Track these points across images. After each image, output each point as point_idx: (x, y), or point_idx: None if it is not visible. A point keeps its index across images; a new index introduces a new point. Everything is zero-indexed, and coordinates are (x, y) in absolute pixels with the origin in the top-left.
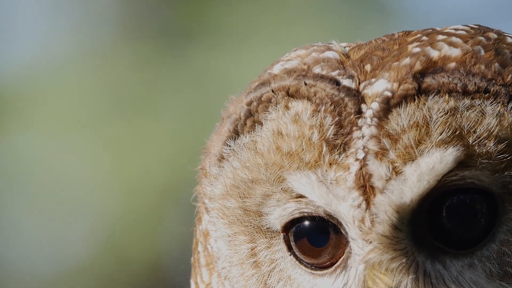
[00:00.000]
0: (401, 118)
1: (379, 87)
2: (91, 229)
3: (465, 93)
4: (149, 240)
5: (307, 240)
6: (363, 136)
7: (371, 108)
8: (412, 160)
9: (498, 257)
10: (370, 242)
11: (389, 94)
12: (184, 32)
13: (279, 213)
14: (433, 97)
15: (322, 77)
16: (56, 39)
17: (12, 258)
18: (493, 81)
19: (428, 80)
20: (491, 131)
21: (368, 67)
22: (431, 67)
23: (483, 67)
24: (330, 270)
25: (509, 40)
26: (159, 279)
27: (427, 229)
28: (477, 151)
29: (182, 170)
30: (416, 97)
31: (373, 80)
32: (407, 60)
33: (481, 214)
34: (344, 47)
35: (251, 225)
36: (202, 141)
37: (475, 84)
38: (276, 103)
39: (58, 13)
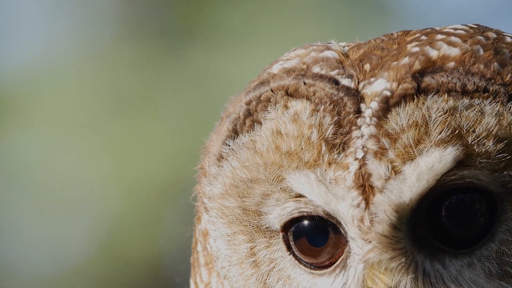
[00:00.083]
0: (400, 117)
1: (378, 86)
2: (91, 229)
3: (464, 92)
4: (149, 239)
5: (307, 240)
6: (362, 136)
7: (370, 108)
8: (411, 159)
9: (497, 256)
10: (369, 241)
11: (388, 93)
12: (184, 32)
13: (278, 213)
14: (432, 97)
15: (321, 77)
16: (56, 39)
17: (12, 258)
18: (492, 81)
19: (427, 80)
20: (490, 130)
21: (367, 67)
22: (430, 67)
23: (482, 66)
24: (329, 269)
25: (508, 39)
26: (159, 278)
27: (426, 228)
28: (476, 150)
29: (181, 170)
30: (415, 96)
31: (372, 79)
32: (406, 60)
33: (480, 214)
34: (343, 47)
35: (250, 225)
36: (201, 141)
37: (474, 84)
38: (275, 103)
39: (58, 13)
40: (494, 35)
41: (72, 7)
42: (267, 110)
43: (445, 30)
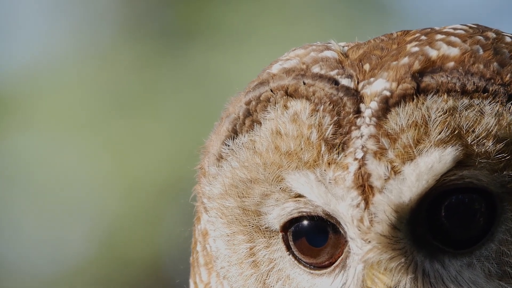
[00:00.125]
0: (399, 117)
1: (378, 86)
2: (91, 229)
3: (464, 92)
4: (148, 239)
5: (306, 240)
6: (361, 136)
7: (369, 108)
8: (411, 159)
9: (496, 256)
10: (369, 241)
11: (388, 93)
12: (184, 32)
13: (278, 213)
14: (431, 97)
15: (320, 77)
16: (56, 39)
17: (12, 258)
18: (492, 81)
19: (427, 80)
20: (490, 130)
21: (367, 67)
22: (430, 67)
23: (481, 66)
24: (328, 269)
25: (507, 39)
26: (159, 278)
27: (426, 228)
28: (476, 150)
29: (181, 170)
30: (414, 96)
31: (372, 79)
32: (405, 60)
33: (480, 214)
34: (343, 47)
35: (250, 225)
36: (201, 141)
37: (474, 84)
38: (275, 103)
39: (58, 13)
40: (494, 35)
41: (72, 7)
42: (267, 110)
43: (445, 30)
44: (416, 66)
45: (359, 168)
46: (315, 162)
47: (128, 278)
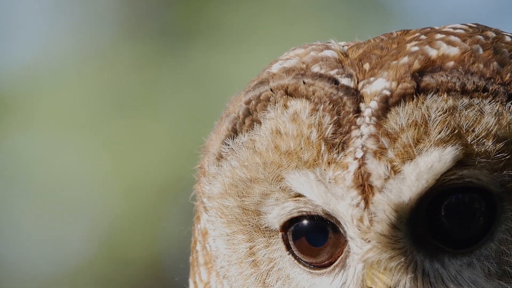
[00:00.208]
0: (399, 117)
1: (378, 86)
2: (91, 229)
3: (464, 92)
4: (148, 239)
5: (306, 239)
6: (361, 135)
7: (369, 107)
8: (411, 159)
9: (496, 256)
10: (369, 241)
11: (388, 93)
12: (184, 32)
13: (278, 212)
14: (431, 96)
15: (320, 76)
16: (56, 39)
17: (12, 258)
18: (492, 80)
19: (427, 79)
20: (490, 130)
21: (366, 66)
22: (430, 66)
23: (481, 66)
24: (328, 269)
25: (507, 39)
26: (159, 278)
27: (425, 228)
28: (476, 150)
29: (181, 170)
30: (414, 96)
31: (371, 79)
32: (405, 59)
33: (479, 213)
34: (343, 46)
35: (249, 224)
36: (201, 140)
37: (474, 83)
38: (275, 102)
39: (58, 13)
40: (494, 35)
41: (72, 7)
42: (267, 110)
43: (445, 29)
44: (416, 65)
45: (359, 167)
46: (315, 161)
47: (128, 278)
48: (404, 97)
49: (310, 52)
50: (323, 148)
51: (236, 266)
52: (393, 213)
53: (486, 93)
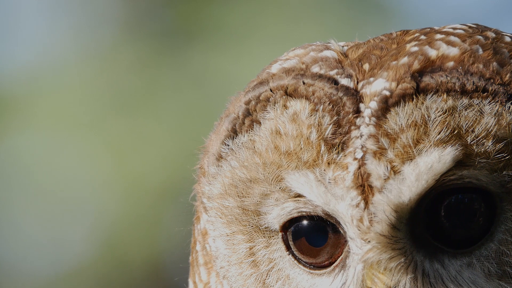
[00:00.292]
0: (399, 117)
1: (378, 86)
2: (91, 229)
3: (464, 92)
4: (148, 239)
5: (306, 240)
6: (361, 135)
7: (369, 107)
8: (411, 159)
9: (496, 256)
10: (369, 241)
11: (388, 93)
12: (184, 32)
13: (278, 213)
14: (431, 96)
15: (320, 76)
16: (56, 39)
17: (12, 259)
18: (492, 80)
19: (426, 79)
20: (490, 130)
21: (366, 66)
22: (429, 66)
23: (481, 66)
24: (328, 269)
25: (507, 39)
26: (159, 278)
27: (425, 228)
28: (476, 150)
29: (181, 170)
30: (414, 96)
31: (371, 79)
32: (405, 59)
33: (479, 214)
34: (342, 47)
35: (249, 225)
36: (201, 141)
37: (474, 83)
38: (275, 102)
39: (58, 13)
40: (493, 35)
41: (72, 7)
42: (266, 110)
43: (444, 29)
44: (416, 65)
45: (359, 168)
46: (315, 162)
47: (128, 278)
48: (403, 98)
49: (310, 53)
50: (322, 148)
51: (236, 267)
52: (393, 214)
53: (485, 93)
